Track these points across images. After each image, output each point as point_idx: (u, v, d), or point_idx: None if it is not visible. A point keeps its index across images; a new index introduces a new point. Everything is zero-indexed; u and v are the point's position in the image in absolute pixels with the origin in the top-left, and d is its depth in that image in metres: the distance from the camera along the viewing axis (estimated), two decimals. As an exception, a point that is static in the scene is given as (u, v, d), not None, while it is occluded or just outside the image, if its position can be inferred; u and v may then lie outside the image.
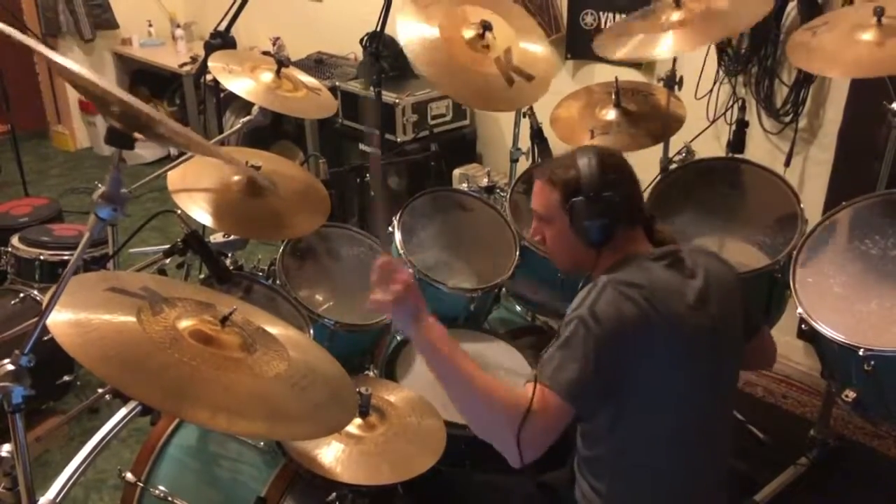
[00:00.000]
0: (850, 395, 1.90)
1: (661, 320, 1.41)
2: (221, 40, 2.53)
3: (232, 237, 2.16)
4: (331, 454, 1.62)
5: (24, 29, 5.08)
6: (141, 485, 1.72)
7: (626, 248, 1.55)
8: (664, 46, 2.22)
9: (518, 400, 1.35)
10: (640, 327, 1.40)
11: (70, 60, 1.16)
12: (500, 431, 1.35)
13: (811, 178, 2.87)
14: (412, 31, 2.31)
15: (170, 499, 1.68)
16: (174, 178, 1.98)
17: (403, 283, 1.42)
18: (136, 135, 1.22)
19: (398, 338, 2.32)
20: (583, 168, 1.52)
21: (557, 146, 2.47)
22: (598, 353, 1.37)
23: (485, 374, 1.39)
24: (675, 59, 2.55)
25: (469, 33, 2.40)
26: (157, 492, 1.70)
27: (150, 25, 5.49)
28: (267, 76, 2.28)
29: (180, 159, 2.04)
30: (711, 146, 2.75)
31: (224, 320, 1.40)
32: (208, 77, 2.47)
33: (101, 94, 1.16)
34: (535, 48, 2.52)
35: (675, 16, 2.27)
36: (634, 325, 1.40)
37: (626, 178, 1.56)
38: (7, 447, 1.30)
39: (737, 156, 2.45)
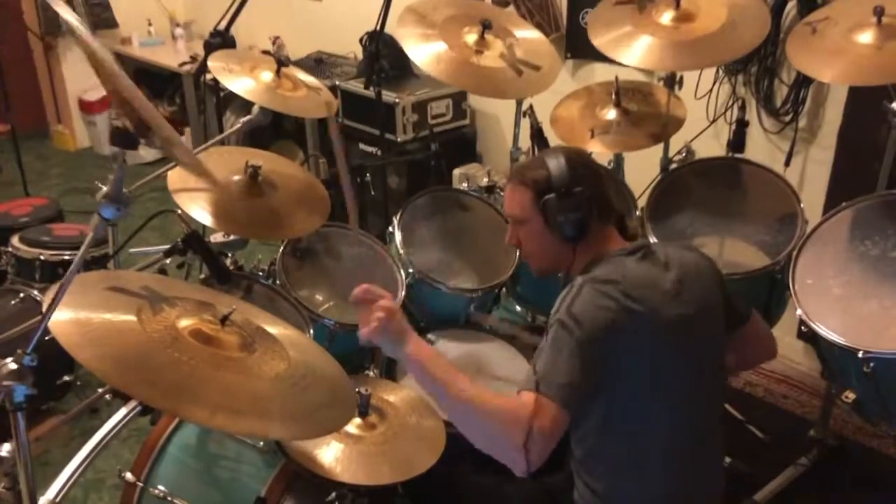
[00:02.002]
0: (850, 395, 1.91)
1: (639, 313, 1.43)
2: (221, 39, 2.54)
3: (232, 237, 2.16)
4: (330, 454, 1.62)
5: (24, 29, 5.08)
6: (140, 485, 1.72)
7: (599, 245, 1.58)
8: (634, 54, 2.23)
9: (517, 410, 1.34)
10: (620, 323, 1.42)
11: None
12: (503, 443, 1.34)
13: (811, 178, 2.87)
14: (422, 50, 2.35)
15: (169, 498, 1.68)
16: (174, 177, 1.97)
17: (385, 310, 1.40)
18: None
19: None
20: (552, 166, 1.56)
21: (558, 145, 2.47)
22: (581, 353, 1.38)
23: (479, 387, 1.39)
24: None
25: (472, 37, 2.43)
26: (156, 491, 1.70)
27: (150, 25, 5.48)
28: (267, 75, 2.27)
29: (180, 159, 2.03)
30: (711, 146, 2.75)
31: (224, 320, 1.40)
32: (208, 76, 2.47)
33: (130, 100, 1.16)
34: (535, 43, 2.54)
35: (668, 17, 2.28)
36: (614, 321, 1.41)
37: (596, 175, 1.60)
38: (8, 447, 1.30)
39: (737, 155, 2.45)
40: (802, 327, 1.93)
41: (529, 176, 1.59)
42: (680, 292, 1.50)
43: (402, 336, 1.41)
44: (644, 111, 2.50)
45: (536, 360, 1.41)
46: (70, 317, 1.22)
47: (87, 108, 5.46)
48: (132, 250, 2.54)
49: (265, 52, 4.32)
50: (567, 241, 1.57)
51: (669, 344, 1.49)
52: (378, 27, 2.69)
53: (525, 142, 2.73)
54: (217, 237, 2.16)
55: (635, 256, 1.54)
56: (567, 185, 1.53)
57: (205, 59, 2.34)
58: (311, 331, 2.08)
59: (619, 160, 2.70)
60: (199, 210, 1.92)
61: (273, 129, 4.41)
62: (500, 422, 1.34)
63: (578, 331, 1.39)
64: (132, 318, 1.28)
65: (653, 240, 2.28)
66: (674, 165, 2.52)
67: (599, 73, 3.36)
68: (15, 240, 2.96)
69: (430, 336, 2.31)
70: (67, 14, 1.20)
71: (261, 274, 2.24)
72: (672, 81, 2.52)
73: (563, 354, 1.38)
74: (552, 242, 1.59)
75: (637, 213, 2.38)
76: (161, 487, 1.70)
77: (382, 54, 3.21)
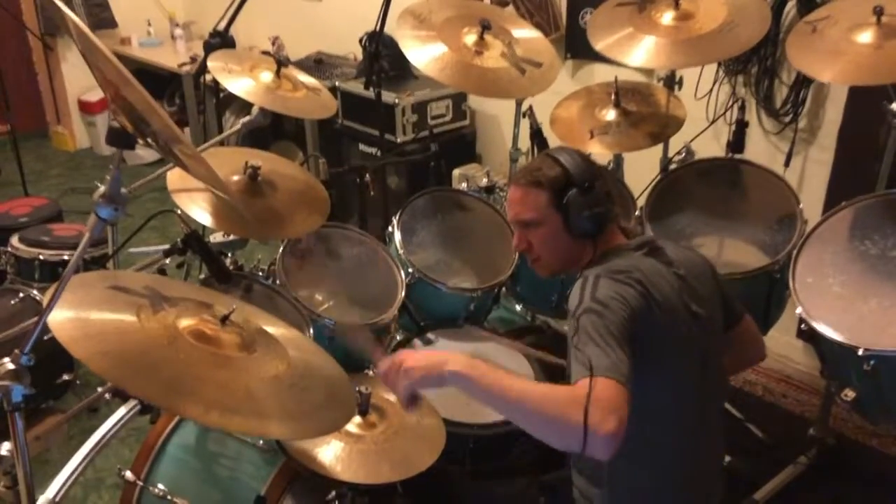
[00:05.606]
0: (850, 394, 1.91)
1: (655, 301, 1.43)
2: (220, 40, 2.54)
3: (232, 237, 2.16)
4: (331, 453, 1.62)
5: (24, 29, 5.08)
6: (140, 483, 1.72)
7: (608, 241, 1.58)
8: (639, 54, 2.24)
9: (571, 391, 1.26)
10: (642, 307, 1.41)
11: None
12: (560, 424, 1.24)
13: (811, 178, 2.87)
14: (422, 53, 2.35)
15: (169, 497, 1.68)
16: (174, 177, 1.98)
17: (408, 363, 1.35)
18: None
19: (398, 337, 2.32)
20: (568, 163, 1.54)
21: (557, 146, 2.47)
22: (620, 332, 1.35)
23: (525, 380, 1.34)
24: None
25: (471, 38, 2.43)
26: (156, 490, 1.70)
27: (150, 25, 5.49)
28: (266, 76, 2.28)
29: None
30: (711, 146, 2.75)
31: (224, 319, 1.40)
32: (207, 77, 2.47)
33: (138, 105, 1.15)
34: (534, 42, 2.55)
35: (668, 17, 2.28)
36: (637, 305, 1.40)
37: (603, 170, 1.59)
38: (7, 446, 1.30)
39: (736, 156, 2.45)
40: (802, 326, 1.93)
41: (545, 175, 1.55)
42: (685, 287, 1.51)
43: (438, 367, 1.33)
44: (643, 112, 2.50)
45: (581, 352, 1.33)
46: (69, 315, 1.22)
47: (86, 108, 5.47)
48: (132, 250, 2.54)
49: (265, 53, 4.32)
50: (585, 238, 1.55)
51: (680, 334, 1.48)
52: (378, 27, 2.69)
53: (525, 142, 2.73)
54: (217, 237, 2.16)
55: (642, 251, 1.55)
56: (588, 179, 1.52)
57: (204, 60, 2.34)
58: (311, 330, 2.08)
59: (618, 160, 2.70)
60: (198, 210, 1.92)
61: (273, 130, 4.41)
62: (553, 405, 1.26)
63: (610, 314, 1.36)
64: (132, 317, 1.28)
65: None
66: (673, 166, 2.52)
67: (599, 73, 3.36)
68: (14, 240, 2.96)
69: (429, 336, 2.31)
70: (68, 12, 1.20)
71: (260, 274, 2.24)
72: (672, 82, 2.52)
73: (605, 336, 1.33)
74: (569, 241, 1.56)
75: (637, 213, 2.38)
76: (161, 486, 1.70)
77: (382, 55, 3.20)
